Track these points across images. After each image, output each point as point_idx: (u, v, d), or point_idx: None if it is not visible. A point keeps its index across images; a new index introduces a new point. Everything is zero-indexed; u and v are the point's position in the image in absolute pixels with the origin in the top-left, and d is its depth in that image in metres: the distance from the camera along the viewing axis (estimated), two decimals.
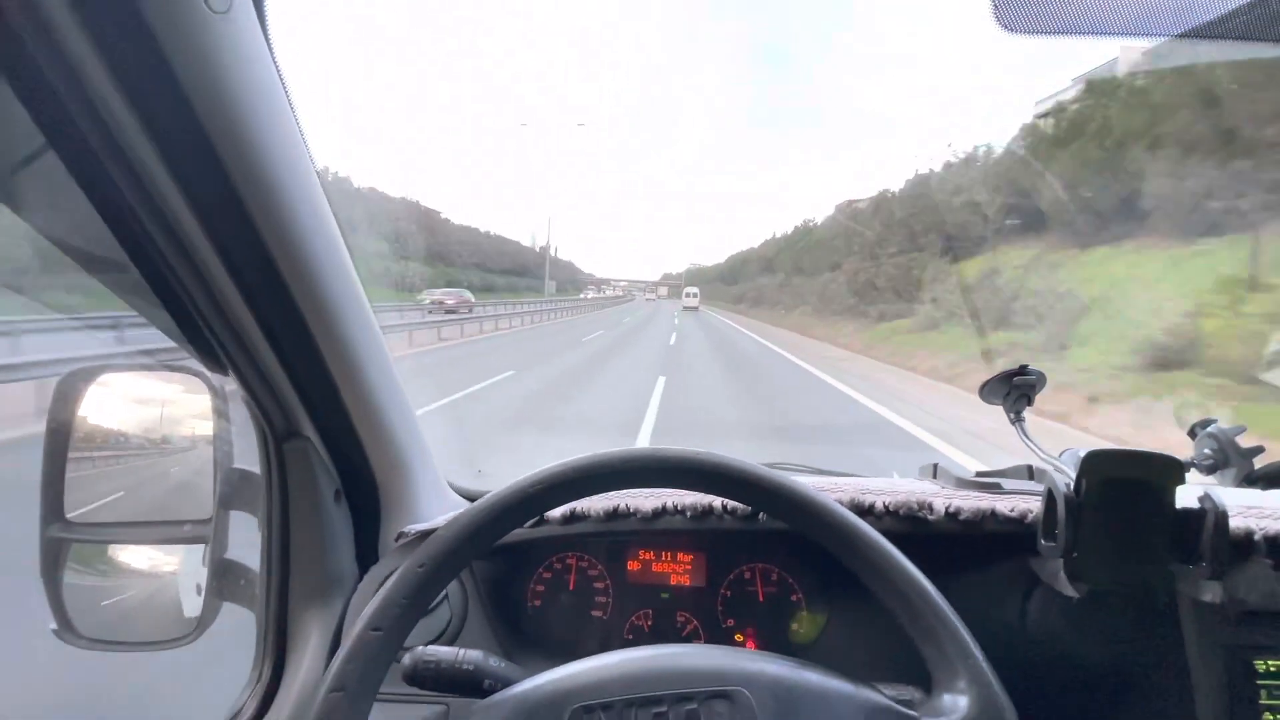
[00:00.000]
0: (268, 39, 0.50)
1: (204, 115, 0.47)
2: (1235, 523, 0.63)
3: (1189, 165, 10.92)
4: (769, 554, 0.82)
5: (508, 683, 0.51)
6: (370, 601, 0.47)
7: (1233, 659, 0.60)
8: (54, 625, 0.68)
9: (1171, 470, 0.58)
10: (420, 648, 0.54)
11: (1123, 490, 0.57)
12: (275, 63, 0.51)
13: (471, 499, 0.91)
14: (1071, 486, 0.59)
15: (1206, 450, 0.90)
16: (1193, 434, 0.94)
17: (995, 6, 0.47)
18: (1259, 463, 0.87)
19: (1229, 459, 0.88)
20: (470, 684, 0.52)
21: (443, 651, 0.53)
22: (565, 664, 0.50)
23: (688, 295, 55.70)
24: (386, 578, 0.62)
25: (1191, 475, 0.89)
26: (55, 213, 0.54)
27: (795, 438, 6.48)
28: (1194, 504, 0.57)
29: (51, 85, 0.43)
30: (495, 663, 0.54)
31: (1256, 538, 0.64)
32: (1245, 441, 0.90)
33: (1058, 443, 0.78)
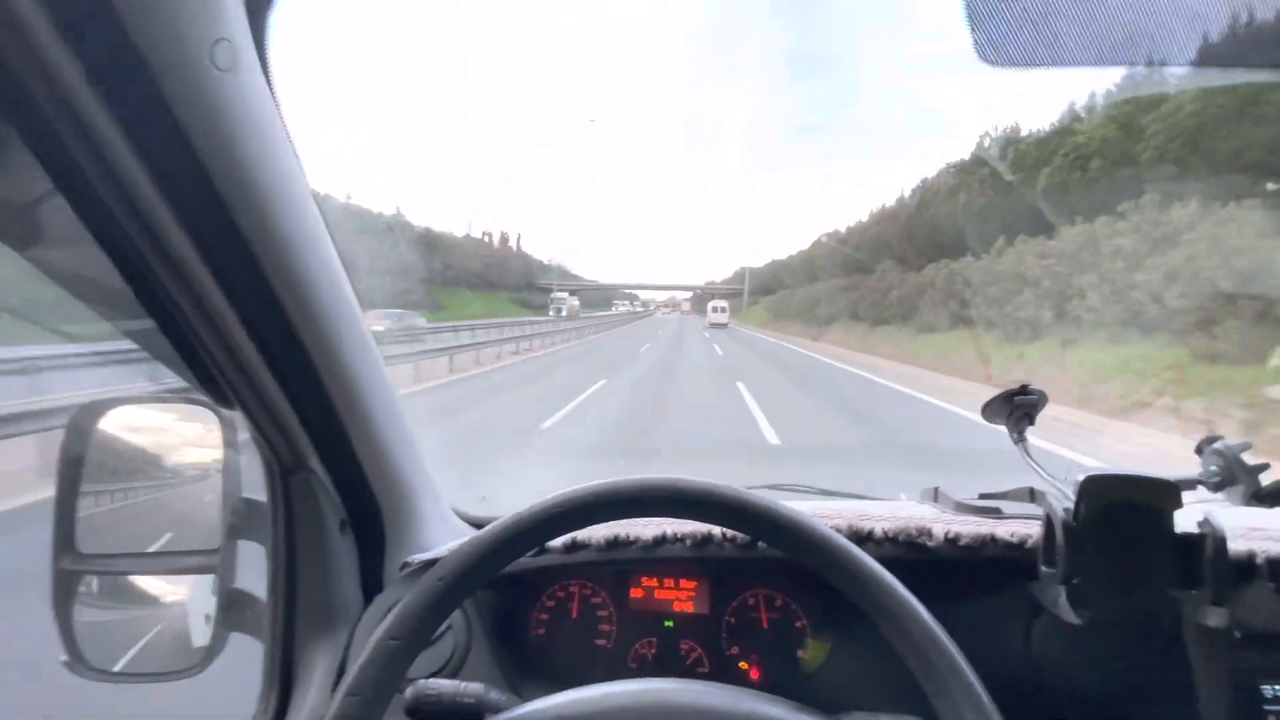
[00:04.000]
0: (272, 92, 0.52)
1: (210, 166, 0.49)
2: (1237, 545, 0.63)
3: None
4: (772, 580, 0.82)
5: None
6: (390, 614, 0.48)
7: (1238, 684, 0.60)
8: (64, 657, 0.69)
9: (1168, 494, 0.57)
10: (422, 680, 0.55)
11: (1121, 515, 0.57)
12: (280, 115, 0.53)
13: (477, 526, 0.91)
14: (1070, 511, 0.59)
15: (1213, 467, 0.90)
16: (1199, 450, 0.93)
17: (976, 44, 0.48)
18: (1265, 479, 0.86)
19: (1235, 476, 0.88)
20: (471, 717, 0.52)
21: (444, 685, 0.54)
22: (562, 692, 0.50)
23: (714, 310, 47.91)
24: (391, 607, 0.62)
25: (1200, 492, 0.88)
26: (66, 256, 0.56)
27: None
28: (1193, 528, 0.57)
29: (62, 139, 0.45)
30: (497, 695, 0.54)
31: (1259, 560, 0.63)
32: (1251, 458, 0.89)
33: None
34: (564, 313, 47.22)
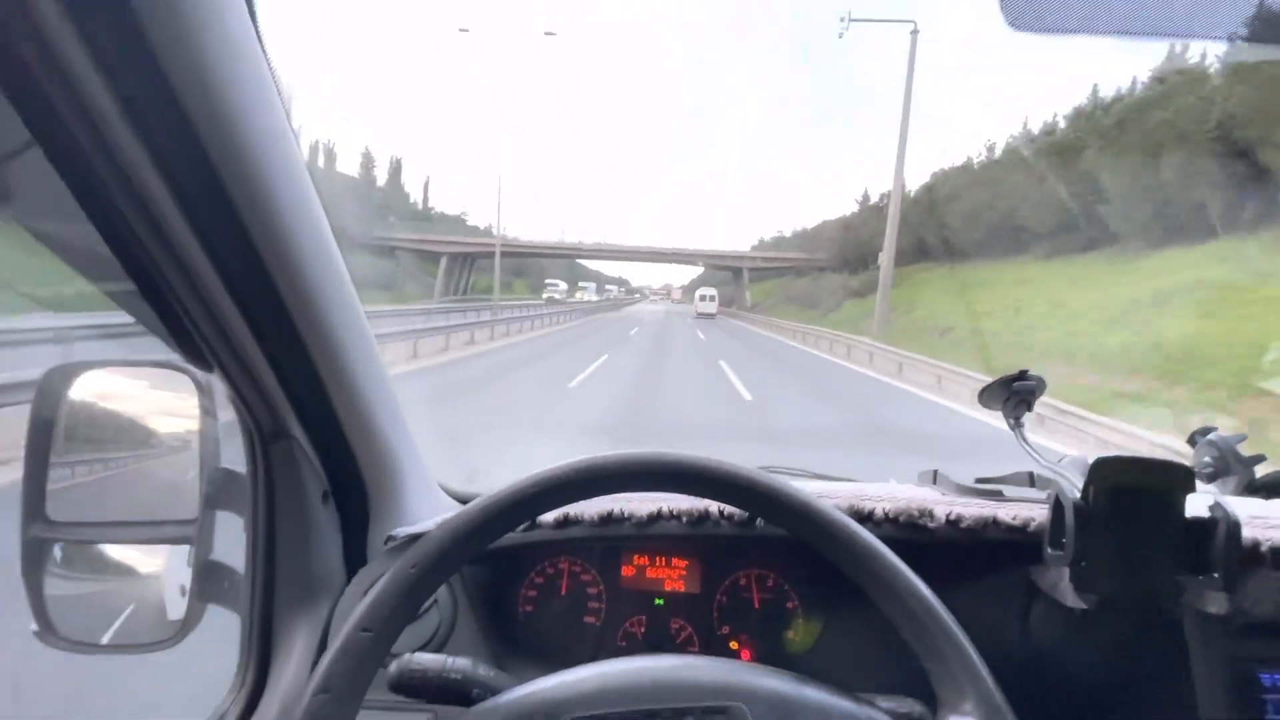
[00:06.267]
0: (257, 31, 0.49)
1: (190, 108, 0.45)
2: (1243, 533, 0.62)
3: None
4: (765, 560, 0.81)
5: (496, 692, 0.50)
6: (360, 602, 0.46)
7: (1237, 671, 0.60)
8: (35, 627, 0.67)
9: (1182, 478, 0.56)
10: (407, 655, 0.53)
11: (1132, 498, 0.56)
12: (265, 54, 0.50)
13: (463, 501, 0.89)
14: (1080, 493, 0.58)
15: (1206, 458, 0.89)
16: (1192, 441, 0.93)
17: (1002, 4, 0.46)
18: (1260, 471, 0.86)
19: (1230, 467, 0.88)
20: (458, 693, 0.51)
21: (430, 659, 0.52)
22: (558, 672, 0.49)
23: (702, 299, 43.57)
24: (374, 581, 0.61)
25: None
26: (39, 208, 0.52)
27: None
28: (1203, 513, 0.56)
29: (36, 80, 0.41)
30: (484, 671, 0.53)
31: (1264, 549, 0.63)
32: (1246, 450, 0.89)
33: None
34: None
